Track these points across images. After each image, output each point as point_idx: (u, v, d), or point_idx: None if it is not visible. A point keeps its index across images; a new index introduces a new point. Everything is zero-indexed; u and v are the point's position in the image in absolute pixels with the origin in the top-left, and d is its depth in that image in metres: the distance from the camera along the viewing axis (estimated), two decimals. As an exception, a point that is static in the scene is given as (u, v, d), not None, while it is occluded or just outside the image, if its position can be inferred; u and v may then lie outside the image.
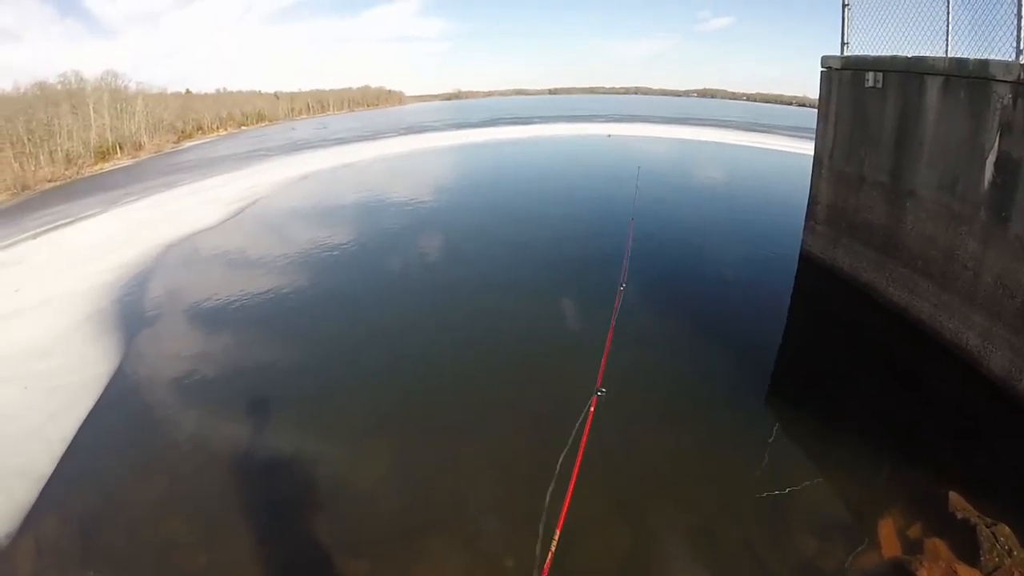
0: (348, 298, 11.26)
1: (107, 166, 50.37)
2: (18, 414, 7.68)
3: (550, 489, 5.39)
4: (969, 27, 7.18)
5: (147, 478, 6.31)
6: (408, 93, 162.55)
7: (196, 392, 8.03)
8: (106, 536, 5.57)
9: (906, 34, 8.36)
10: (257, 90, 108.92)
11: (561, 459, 5.75)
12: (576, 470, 4.40)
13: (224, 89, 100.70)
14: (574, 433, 5.96)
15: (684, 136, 40.48)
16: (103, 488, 6.26)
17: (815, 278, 11.04)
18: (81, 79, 58.16)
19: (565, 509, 3.95)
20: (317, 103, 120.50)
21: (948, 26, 7.49)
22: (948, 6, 7.42)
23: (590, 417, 5.08)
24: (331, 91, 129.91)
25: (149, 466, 6.52)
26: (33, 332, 10.24)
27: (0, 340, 10.07)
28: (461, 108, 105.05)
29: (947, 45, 7.54)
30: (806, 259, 11.70)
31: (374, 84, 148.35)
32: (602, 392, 5.53)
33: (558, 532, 3.72)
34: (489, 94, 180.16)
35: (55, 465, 6.56)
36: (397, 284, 11.98)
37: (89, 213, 22.77)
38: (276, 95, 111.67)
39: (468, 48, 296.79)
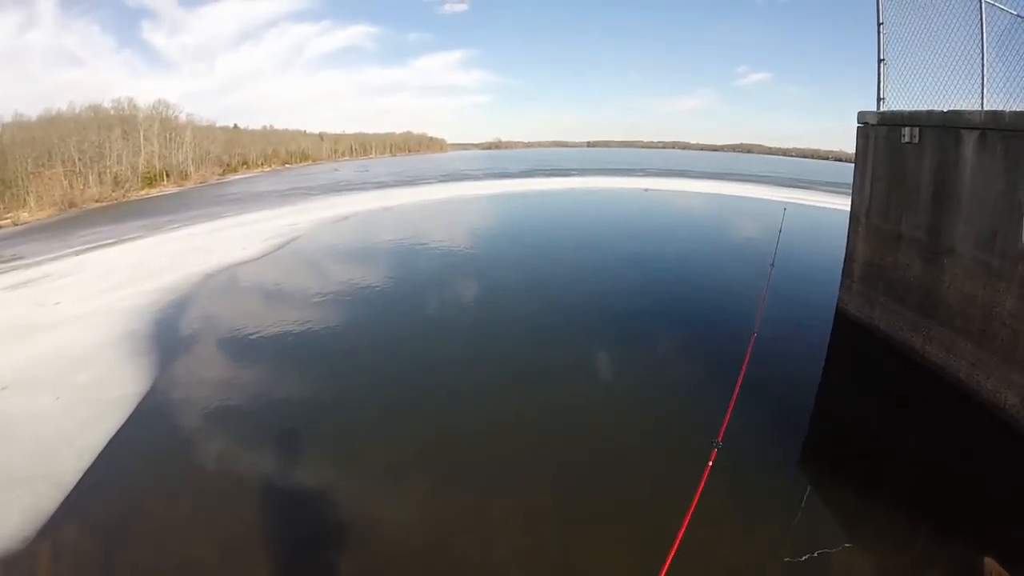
0: (381, 337, 11.34)
1: (153, 192, 52.77)
2: (49, 422, 7.88)
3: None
4: (1005, 79, 7.17)
5: (171, 497, 6.37)
6: (449, 140, 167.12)
7: (226, 419, 8.11)
8: (125, 550, 5.60)
9: (942, 88, 8.37)
10: (302, 130, 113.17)
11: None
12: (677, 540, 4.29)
13: (271, 126, 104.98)
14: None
15: (723, 191, 40.53)
16: (126, 502, 6.32)
17: (851, 336, 10.78)
18: (134, 106, 61.45)
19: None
20: (360, 146, 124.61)
21: (983, 78, 7.48)
22: (983, 59, 7.43)
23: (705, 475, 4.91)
24: (374, 135, 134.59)
25: (174, 486, 6.58)
26: (69, 345, 10.56)
27: (37, 350, 10.42)
28: (500, 158, 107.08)
29: (983, 98, 7.51)
30: (842, 317, 11.47)
31: (416, 130, 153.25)
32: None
33: None
34: (528, 145, 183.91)
35: (80, 475, 6.67)
36: (429, 326, 12.03)
37: (132, 236, 23.75)
38: (321, 136, 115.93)
39: (509, 99, 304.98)
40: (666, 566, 2.95)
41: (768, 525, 5.83)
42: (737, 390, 6.02)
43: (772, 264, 11.06)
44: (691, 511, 3.49)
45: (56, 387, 8.89)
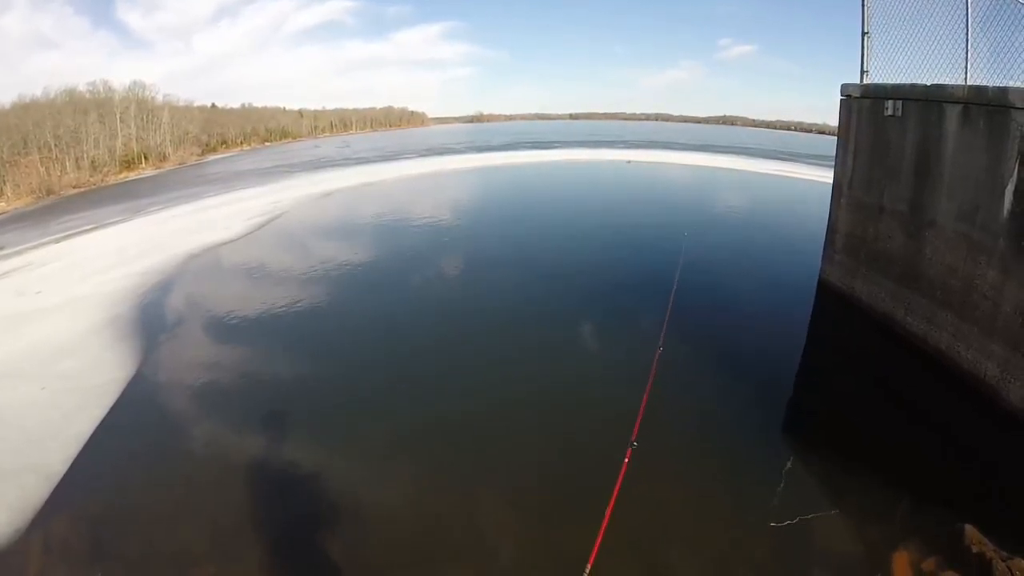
0: (367, 316, 11.34)
1: (131, 175, 51.80)
2: (35, 412, 7.82)
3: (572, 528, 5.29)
4: (989, 54, 7.17)
5: (160, 484, 6.35)
6: (431, 115, 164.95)
7: (213, 402, 8.08)
8: (115, 538, 5.61)
9: (926, 63, 8.37)
10: (282, 107, 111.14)
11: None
12: (609, 512, 4.32)
13: (249, 105, 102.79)
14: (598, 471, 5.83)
15: (704, 163, 40.55)
16: (115, 491, 6.31)
17: (833, 307, 10.92)
18: (110, 88, 59.98)
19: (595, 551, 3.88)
20: (340, 122, 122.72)
21: (967, 53, 7.48)
22: (967, 33, 7.42)
23: (624, 467, 4.94)
24: (355, 111, 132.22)
25: (163, 473, 6.56)
26: (52, 333, 10.45)
27: (21, 340, 10.29)
28: (482, 131, 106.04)
29: (966, 73, 7.52)
30: (824, 288, 11.59)
31: (397, 105, 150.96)
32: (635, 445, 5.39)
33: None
34: (510, 118, 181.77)
35: (68, 465, 6.64)
36: (416, 304, 12.02)
37: (113, 220, 23.41)
38: (300, 113, 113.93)
39: (491, 72, 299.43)
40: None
41: (751, 493, 5.94)
42: (653, 374, 6.51)
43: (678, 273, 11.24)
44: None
45: (41, 377, 8.80)
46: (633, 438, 5.18)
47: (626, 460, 4.88)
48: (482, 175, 36.72)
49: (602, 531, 4.05)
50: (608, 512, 4.28)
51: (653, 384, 6.42)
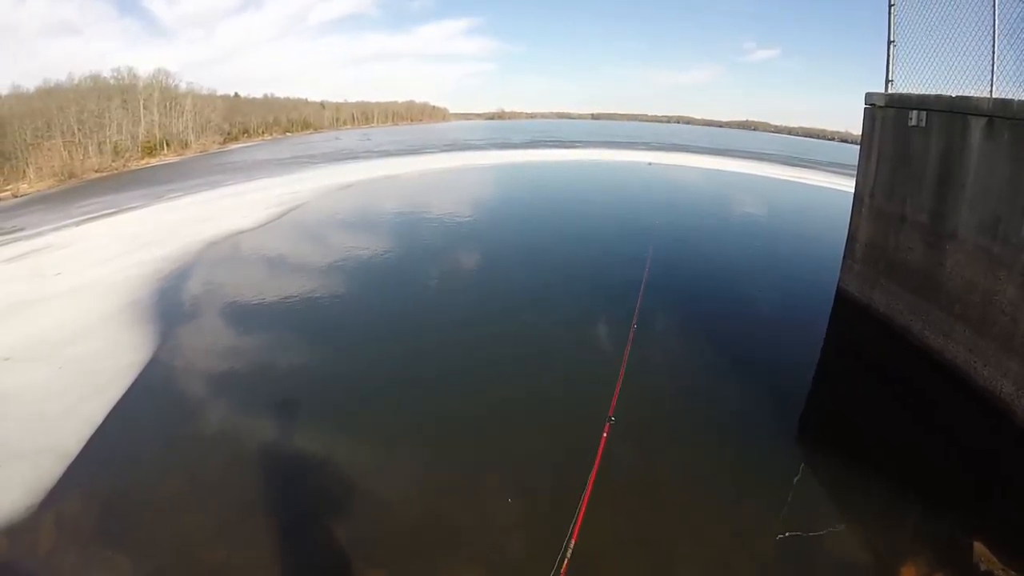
0: (380, 307, 11.45)
1: (153, 161, 52.46)
2: (50, 393, 7.93)
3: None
4: (1015, 67, 7.07)
5: (172, 468, 6.44)
6: (452, 110, 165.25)
7: (226, 388, 8.19)
8: (126, 520, 5.70)
9: (952, 73, 8.25)
10: (304, 98, 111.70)
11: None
12: (587, 495, 4.37)
13: (272, 95, 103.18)
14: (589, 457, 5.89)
15: (725, 167, 40.28)
16: (127, 473, 6.41)
17: (850, 317, 10.82)
18: (134, 75, 60.59)
19: (576, 533, 3.93)
20: (362, 114, 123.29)
21: (993, 66, 7.38)
22: (994, 46, 7.32)
23: (601, 446, 5.02)
24: (376, 103, 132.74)
25: (175, 456, 6.66)
26: (70, 316, 10.60)
27: (39, 321, 10.44)
28: (503, 128, 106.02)
29: (992, 85, 7.42)
30: (842, 297, 11.49)
31: (419, 99, 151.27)
32: (612, 419, 5.58)
33: (566, 563, 3.71)
34: (532, 116, 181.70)
35: (82, 446, 6.75)
36: (430, 297, 12.10)
37: (133, 205, 23.70)
38: (322, 104, 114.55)
39: (513, 69, 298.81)
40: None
41: (759, 501, 5.93)
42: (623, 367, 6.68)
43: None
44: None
45: (57, 358, 8.93)
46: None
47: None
48: (503, 172, 36.67)
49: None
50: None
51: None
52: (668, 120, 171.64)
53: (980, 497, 6.07)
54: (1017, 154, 6.87)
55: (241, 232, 17.64)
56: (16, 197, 33.76)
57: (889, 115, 9.96)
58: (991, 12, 7.34)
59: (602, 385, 7.05)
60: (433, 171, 35.61)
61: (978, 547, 5.06)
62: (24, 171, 39.52)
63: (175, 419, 7.41)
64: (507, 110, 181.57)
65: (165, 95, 61.60)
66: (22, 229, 20.33)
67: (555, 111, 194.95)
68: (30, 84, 53.61)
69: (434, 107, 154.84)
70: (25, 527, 5.53)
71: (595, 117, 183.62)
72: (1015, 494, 6.08)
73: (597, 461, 5.11)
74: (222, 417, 7.40)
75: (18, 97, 49.32)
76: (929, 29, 8.80)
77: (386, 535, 5.43)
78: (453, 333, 10.11)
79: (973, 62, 7.77)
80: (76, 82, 54.22)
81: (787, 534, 5.35)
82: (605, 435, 5.29)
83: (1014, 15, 7.08)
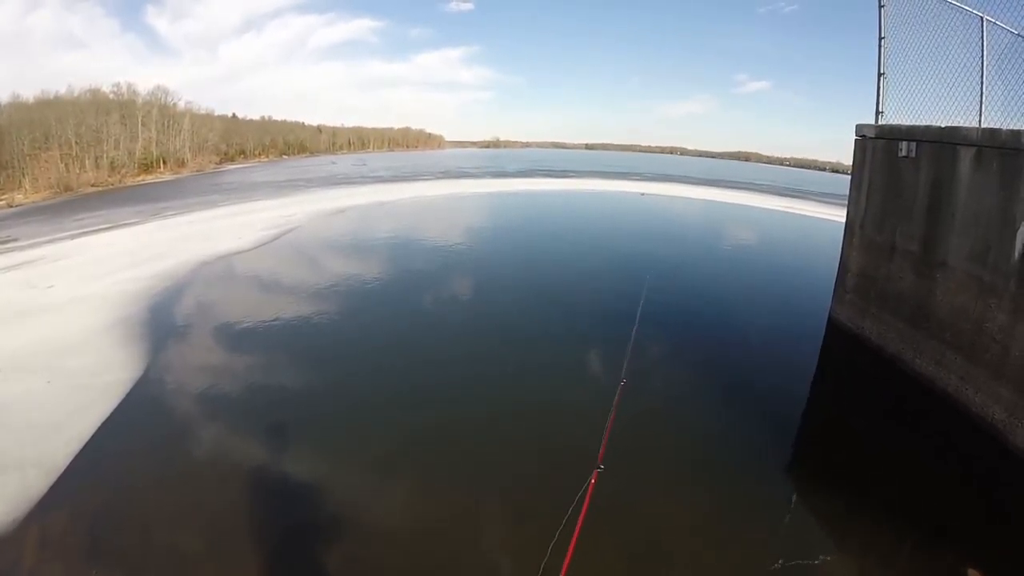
0: (372, 331, 11.36)
1: (149, 178, 52.67)
2: (39, 407, 7.84)
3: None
4: (1003, 97, 7.24)
5: (161, 485, 6.35)
6: (448, 138, 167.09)
7: (217, 407, 8.10)
8: (113, 536, 5.59)
9: (941, 104, 8.45)
10: (301, 121, 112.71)
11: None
12: (580, 523, 4.33)
13: (269, 117, 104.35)
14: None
15: (718, 198, 40.76)
16: (115, 489, 6.30)
17: (842, 346, 10.85)
18: (134, 91, 61.08)
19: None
20: (358, 139, 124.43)
21: (982, 97, 7.56)
22: (982, 77, 7.51)
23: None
24: (372, 129, 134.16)
25: (164, 474, 6.56)
26: (62, 329, 10.52)
27: (30, 334, 10.35)
28: (499, 157, 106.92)
29: (980, 116, 7.59)
30: (834, 327, 11.54)
31: (415, 126, 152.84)
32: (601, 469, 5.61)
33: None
34: (527, 144, 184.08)
35: (70, 460, 6.65)
36: (417, 322, 12.01)
37: (128, 221, 23.73)
38: (319, 128, 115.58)
39: (509, 98, 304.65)
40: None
41: (754, 531, 5.86)
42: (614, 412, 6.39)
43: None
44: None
45: (48, 371, 8.85)
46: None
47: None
48: (496, 200, 36.91)
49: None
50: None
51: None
52: (663, 151, 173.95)
53: (975, 524, 6.04)
54: (1006, 183, 7.00)
55: (235, 253, 17.62)
56: (11, 207, 33.74)
57: (879, 146, 10.14)
58: (979, 44, 7.55)
59: (593, 423, 7.01)
60: (428, 198, 35.81)
61: (972, 574, 5.03)
62: (20, 182, 39.53)
63: (165, 436, 7.30)
64: (502, 139, 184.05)
65: (163, 113, 62.14)
66: (16, 240, 20.29)
67: (550, 140, 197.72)
68: (29, 93, 53.85)
69: (430, 134, 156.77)
70: (9, 541, 5.42)
71: (589, 147, 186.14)
72: (1010, 521, 6.07)
73: (587, 499, 5.01)
74: (212, 435, 7.31)
75: (16, 106, 49.56)
76: (919, 62, 9.05)
77: (377, 558, 5.34)
78: (447, 353, 10.13)
79: (962, 93, 7.98)
80: (76, 95, 54.65)
81: (781, 563, 5.30)
82: (593, 481, 5.20)
83: (1002, 47, 7.30)
